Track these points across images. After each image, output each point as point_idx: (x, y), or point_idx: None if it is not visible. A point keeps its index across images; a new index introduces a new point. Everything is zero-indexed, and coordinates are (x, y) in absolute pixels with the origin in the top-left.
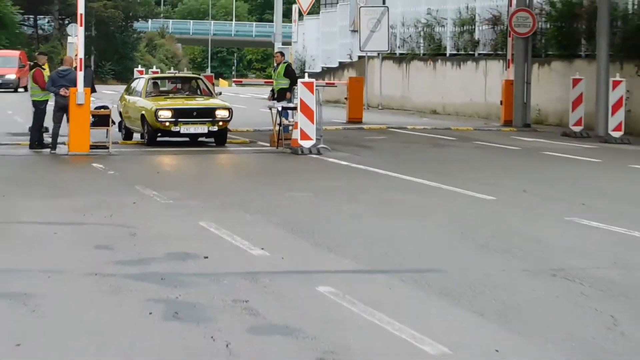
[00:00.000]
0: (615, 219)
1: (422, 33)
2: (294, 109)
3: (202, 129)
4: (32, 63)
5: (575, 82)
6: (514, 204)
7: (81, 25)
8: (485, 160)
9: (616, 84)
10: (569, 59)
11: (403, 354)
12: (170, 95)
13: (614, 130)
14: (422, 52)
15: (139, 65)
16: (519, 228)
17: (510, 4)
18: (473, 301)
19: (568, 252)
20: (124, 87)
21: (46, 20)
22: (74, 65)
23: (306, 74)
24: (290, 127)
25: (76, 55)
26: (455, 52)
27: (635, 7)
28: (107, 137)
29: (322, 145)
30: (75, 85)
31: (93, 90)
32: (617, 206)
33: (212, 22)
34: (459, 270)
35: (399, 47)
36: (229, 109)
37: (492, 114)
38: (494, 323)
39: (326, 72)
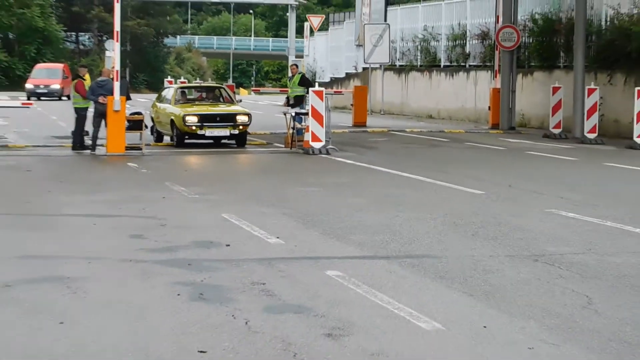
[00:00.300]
0: (590, 211)
1: (419, 47)
2: (306, 114)
3: (225, 132)
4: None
5: (555, 89)
6: (501, 198)
7: (117, 41)
8: (475, 158)
9: (591, 91)
10: (549, 69)
11: (401, 330)
12: (196, 102)
13: (589, 132)
14: (419, 63)
15: (169, 76)
16: (505, 219)
17: (497, 21)
18: (464, 283)
19: (548, 240)
20: (155, 95)
21: (86, 36)
22: (111, 76)
23: (316, 83)
24: (303, 130)
25: (113, 67)
26: (448, 63)
27: (608, 23)
28: (140, 139)
29: (330, 146)
30: (112, 94)
31: (128, 98)
32: (592, 199)
33: (234, 37)
34: (452, 256)
35: (398, 59)
36: (248, 115)
37: (481, 118)
38: (482, 302)
39: (334, 81)
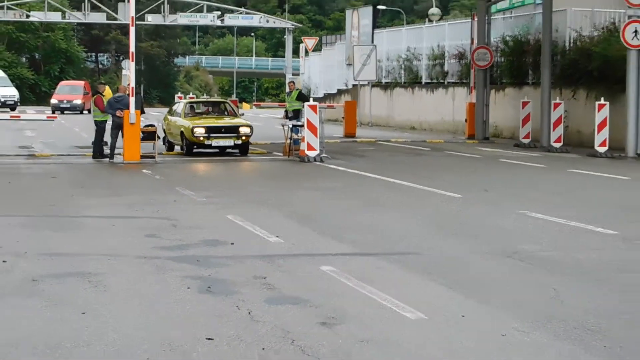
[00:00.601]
0: (556, 212)
1: (403, 66)
2: (302, 126)
3: (229, 142)
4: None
5: (524, 104)
6: (477, 200)
7: (132, 61)
8: (453, 165)
9: (556, 105)
10: (519, 85)
11: (388, 319)
12: (204, 115)
13: (555, 141)
14: (403, 80)
15: (179, 92)
16: (481, 219)
17: (472, 43)
18: (444, 277)
19: (520, 239)
20: (167, 109)
21: (105, 56)
22: (127, 92)
23: (311, 98)
24: (299, 140)
25: (129, 84)
26: (429, 80)
27: (571, 45)
28: (153, 149)
29: (324, 155)
30: (128, 108)
31: (142, 112)
32: (558, 201)
33: (237, 57)
34: (434, 253)
35: (384, 77)
36: (250, 126)
37: (458, 129)
38: (461, 294)
39: (327, 96)
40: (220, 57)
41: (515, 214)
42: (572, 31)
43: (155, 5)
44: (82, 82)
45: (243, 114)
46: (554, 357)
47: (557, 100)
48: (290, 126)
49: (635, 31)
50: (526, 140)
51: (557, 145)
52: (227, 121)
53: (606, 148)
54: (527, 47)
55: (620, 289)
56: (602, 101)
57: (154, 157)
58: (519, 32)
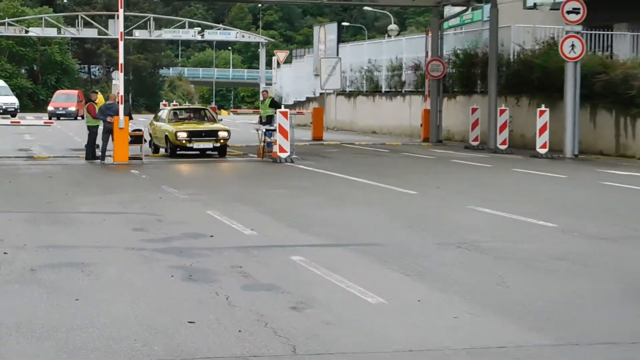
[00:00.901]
0: (502, 207)
1: (364, 76)
2: (274, 130)
3: (209, 145)
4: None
5: (473, 110)
6: (431, 197)
7: (121, 72)
8: (409, 165)
9: (502, 111)
10: (468, 94)
11: (352, 304)
12: (186, 121)
13: (501, 144)
14: (365, 89)
15: (163, 100)
16: (434, 213)
17: (427, 56)
18: (402, 265)
19: (469, 230)
20: (153, 115)
21: (97, 68)
22: (116, 100)
23: (282, 106)
24: (272, 143)
25: (118, 93)
26: (388, 89)
27: (515, 57)
28: (141, 151)
29: (294, 156)
30: (117, 114)
31: (130, 118)
32: (503, 197)
33: (216, 69)
34: (392, 244)
35: (348, 86)
36: (228, 131)
37: (415, 133)
38: (417, 281)
39: (297, 104)
40: (201, 68)
41: (464, 208)
42: (516, 45)
43: (142, 21)
44: (76, 91)
45: (221, 120)
46: (502, 336)
47: (503, 107)
48: (264, 130)
49: (572, 45)
50: (475, 143)
51: (503, 147)
52: (207, 126)
53: (546, 150)
54: (476, 59)
55: (559, 276)
56: (543, 108)
57: (141, 159)
58: (468, 46)
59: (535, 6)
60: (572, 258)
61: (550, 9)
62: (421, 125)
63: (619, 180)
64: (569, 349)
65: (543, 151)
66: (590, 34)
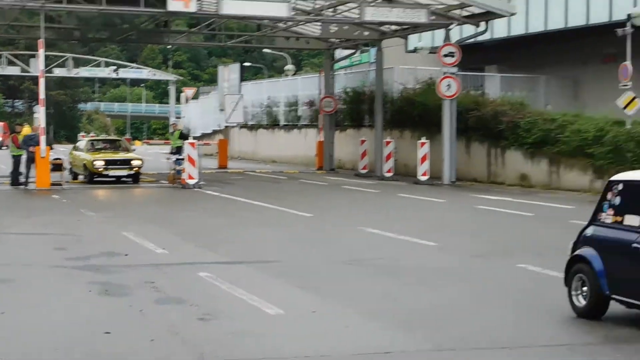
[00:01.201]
0: (388, 228)
1: (264, 111)
2: (183, 159)
3: (124, 172)
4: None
5: (362, 142)
6: (325, 219)
7: (42, 106)
8: (305, 191)
9: (387, 143)
10: (358, 127)
11: (253, 315)
12: (102, 150)
13: (387, 172)
14: (265, 123)
15: (82, 132)
16: (327, 233)
17: (320, 93)
18: (298, 280)
19: (359, 249)
20: (72, 145)
21: (20, 102)
22: (38, 132)
23: (191, 137)
24: (181, 171)
25: (40, 125)
26: (286, 123)
27: (399, 95)
28: (61, 177)
29: (202, 183)
30: (39, 144)
31: (51, 148)
32: (389, 219)
33: (130, 104)
34: (290, 261)
35: (250, 120)
36: (141, 160)
37: (310, 162)
38: (312, 294)
39: (204, 136)
40: (116, 103)
41: (355, 229)
42: (399, 84)
43: (61, 60)
44: (1, 124)
45: (135, 150)
46: (388, 342)
47: (388, 139)
48: (174, 159)
49: (449, 85)
50: (364, 171)
51: (389, 174)
52: (121, 155)
53: (427, 177)
54: (364, 96)
55: (439, 288)
56: (423, 140)
57: (61, 185)
58: (357, 84)
59: (415, 50)
60: (450, 272)
61: (429, 53)
62: (316, 155)
63: (490, 204)
64: (447, 354)
65: (424, 178)
66: (465, 75)
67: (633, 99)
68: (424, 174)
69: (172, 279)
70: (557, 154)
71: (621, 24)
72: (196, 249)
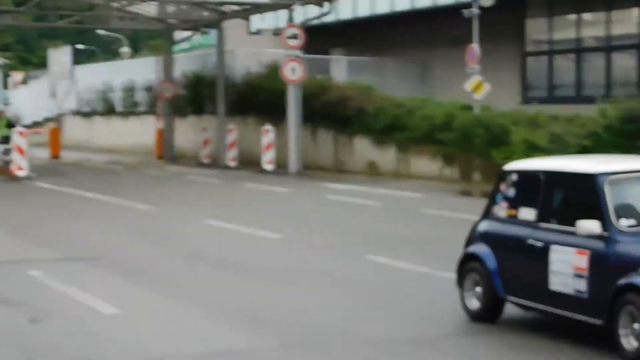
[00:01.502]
0: (232, 220)
1: (100, 97)
2: (11, 149)
3: None
4: None
5: (204, 130)
6: (168, 212)
7: None
8: (145, 182)
9: (231, 130)
10: (199, 114)
11: (87, 315)
12: None
13: (231, 161)
14: (100, 109)
15: None
16: (169, 228)
17: (158, 77)
18: (137, 277)
19: (202, 243)
20: None
21: None
22: None
23: (19, 125)
24: (10, 162)
25: None
26: (123, 109)
27: (242, 79)
28: None
29: (32, 174)
30: None
31: None
32: (234, 211)
33: None
34: (128, 257)
35: (85, 106)
36: None
37: (149, 151)
38: (151, 292)
39: (35, 124)
40: None
41: (198, 222)
42: (243, 68)
43: None
44: None
45: None
46: (232, 341)
47: (231, 126)
48: (2, 150)
49: (293, 68)
50: (207, 160)
51: (233, 164)
52: None
53: (273, 166)
54: (205, 81)
55: (283, 283)
56: (267, 127)
57: None
58: (198, 68)
59: (259, 32)
60: (295, 267)
61: (273, 34)
62: (155, 143)
63: (338, 194)
64: (295, 350)
65: (270, 167)
66: (310, 59)
67: (481, 82)
68: (269, 163)
69: (0, 279)
70: (405, 141)
71: (468, 4)
72: (28, 246)
